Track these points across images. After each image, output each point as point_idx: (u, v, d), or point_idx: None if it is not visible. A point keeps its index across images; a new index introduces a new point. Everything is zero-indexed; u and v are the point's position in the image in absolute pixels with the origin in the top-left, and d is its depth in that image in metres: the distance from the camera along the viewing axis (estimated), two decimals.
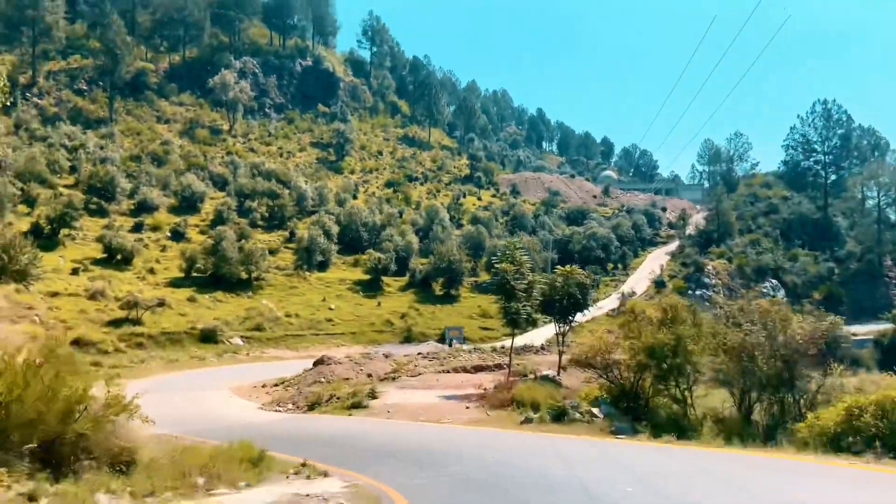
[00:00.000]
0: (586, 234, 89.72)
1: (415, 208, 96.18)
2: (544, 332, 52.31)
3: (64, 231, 62.83)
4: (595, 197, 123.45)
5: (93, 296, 51.38)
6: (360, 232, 79.32)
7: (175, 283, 59.76)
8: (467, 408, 23.71)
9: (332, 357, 38.54)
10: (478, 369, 39.06)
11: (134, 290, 52.04)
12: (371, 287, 69.91)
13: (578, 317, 31.62)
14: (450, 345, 53.84)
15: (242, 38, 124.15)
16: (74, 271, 56.71)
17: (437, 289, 71.77)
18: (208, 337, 48.94)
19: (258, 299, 60.87)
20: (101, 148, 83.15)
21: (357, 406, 25.78)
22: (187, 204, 78.12)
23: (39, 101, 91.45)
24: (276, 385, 36.83)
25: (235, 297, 60.52)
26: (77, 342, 42.53)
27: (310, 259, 70.76)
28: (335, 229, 76.93)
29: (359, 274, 73.44)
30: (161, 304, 53.21)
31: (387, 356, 41.71)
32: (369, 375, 36.95)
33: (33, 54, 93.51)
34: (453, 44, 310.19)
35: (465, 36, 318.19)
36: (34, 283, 46.26)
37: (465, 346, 51.93)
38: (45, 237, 61.26)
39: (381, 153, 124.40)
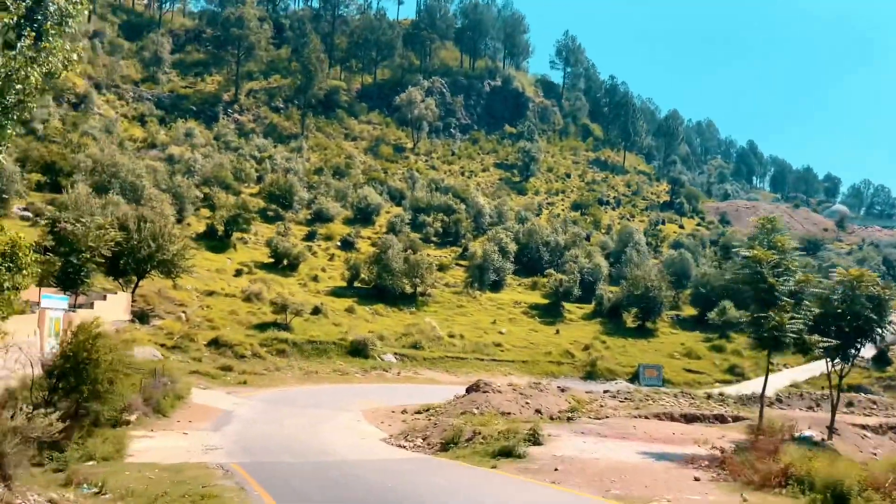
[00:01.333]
0: (824, 267, 72.87)
1: (605, 232, 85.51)
2: (775, 379, 39.55)
3: (237, 234, 61.29)
4: (826, 230, 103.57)
5: (248, 298, 47.72)
6: (540, 252, 70.53)
7: (336, 293, 55.03)
8: (697, 479, 13.68)
9: (491, 384, 29.85)
10: (689, 419, 28.18)
11: (290, 294, 47.57)
12: (550, 312, 60.50)
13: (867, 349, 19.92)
14: (644, 386, 42.79)
15: (433, 59, 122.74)
16: (238, 273, 54.09)
17: (630, 320, 60.53)
18: (358, 350, 42.69)
19: (421, 316, 54.20)
20: (288, 160, 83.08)
21: (508, 454, 16.81)
22: (362, 216, 74.72)
23: (239, 117, 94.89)
24: (418, 412, 28.92)
25: (397, 312, 54.40)
26: (216, 342, 38.10)
27: (482, 277, 63.19)
28: (512, 247, 68.86)
29: (536, 297, 64.46)
30: (317, 311, 48.29)
31: (563, 390, 32.11)
32: (538, 412, 27.76)
33: (237, 73, 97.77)
34: (651, 71, 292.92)
35: (664, 63, 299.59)
36: (182, 275, 43.21)
37: (664, 389, 40.65)
38: (218, 239, 60.05)
39: (568, 175, 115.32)
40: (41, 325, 26.21)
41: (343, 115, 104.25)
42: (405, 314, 54.54)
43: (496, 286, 64.62)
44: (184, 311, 42.26)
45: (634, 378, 47.11)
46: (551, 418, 26.52)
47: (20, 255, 23.23)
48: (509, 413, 26.03)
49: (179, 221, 60.17)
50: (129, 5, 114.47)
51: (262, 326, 42.91)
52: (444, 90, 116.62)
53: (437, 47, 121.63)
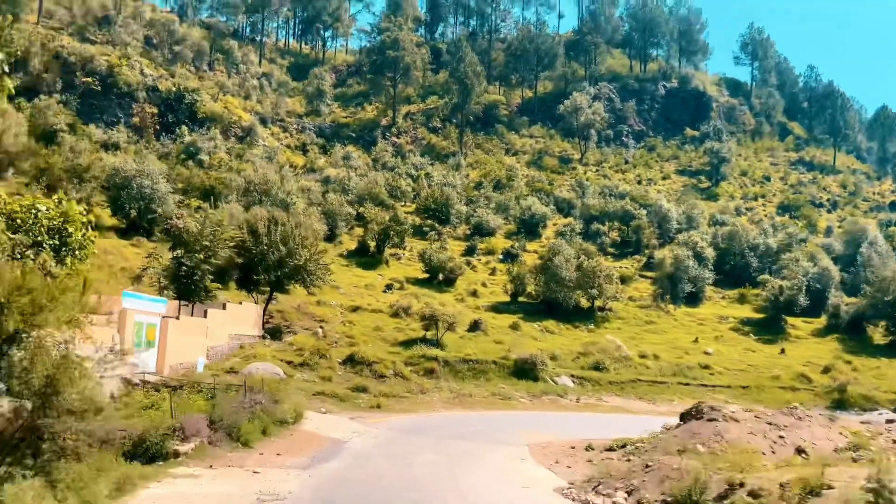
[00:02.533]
0: None
1: (825, 235, 70.14)
2: None
3: (389, 251, 55.94)
4: None
5: (395, 313, 41.28)
6: (745, 257, 57.88)
7: (498, 308, 47.16)
8: None
9: (721, 408, 19.92)
10: None
11: (441, 304, 40.47)
12: (767, 328, 48.12)
13: None
14: None
15: (598, 66, 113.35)
16: (388, 287, 48.23)
17: (878, 335, 46.35)
18: (525, 371, 34.25)
19: (601, 333, 44.63)
20: (444, 176, 77.67)
21: None
22: (526, 228, 66.70)
23: (396, 140, 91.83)
24: (610, 449, 19.97)
25: (571, 329, 45.31)
26: (351, 359, 31.62)
27: (675, 289, 52.28)
28: (710, 253, 57.03)
29: (745, 311, 52.22)
30: (475, 326, 40.70)
31: (832, 419, 21.33)
32: (800, 452, 17.57)
33: (394, 95, 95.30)
34: (847, 63, 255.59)
35: (859, 53, 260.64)
36: (320, 286, 37.70)
37: None
38: (370, 255, 55.00)
39: (768, 178, 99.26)
40: (122, 331, 20.88)
41: (503, 130, 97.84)
42: (581, 331, 45.29)
43: (693, 299, 53.26)
44: (321, 327, 36.55)
45: None
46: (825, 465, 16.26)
47: (72, 230, 17.48)
48: (762, 452, 16.20)
49: (331, 239, 56.29)
50: (297, 49, 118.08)
51: (409, 343, 35.95)
52: (613, 95, 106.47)
53: (601, 52, 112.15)
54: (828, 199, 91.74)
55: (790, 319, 49.09)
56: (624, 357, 39.16)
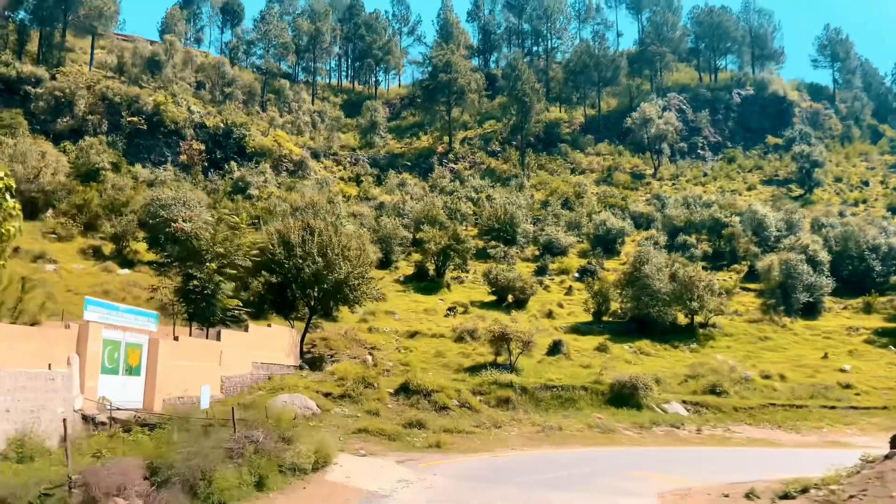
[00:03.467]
0: None
1: None
2: None
3: (451, 273, 50.09)
4: None
5: (460, 337, 35.09)
6: (866, 261, 49.22)
7: (579, 329, 40.29)
8: None
9: None
10: None
11: (513, 321, 33.99)
12: None
13: None
14: None
15: (665, 78, 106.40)
16: (451, 310, 42.13)
17: None
18: (624, 397, 27.30)
19: (707, 353, 37.11)
20: (506, 197, 71.74)
21: None
22: (602, 245, 59.69)
23: (454, 166, 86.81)
24: (786, 496, 13.09)
25: (669, 350, 37.92)
26: (405, 389, 25.47)
27: (787, 301, 44.20)
28: (825, 257, 48.68)
29: (874, 321, 43.54)
30: (556, 349, 34.08)
31: None
32: None
33: (449, 119, 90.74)
34: None
35: None
36: (366, 304, 31.94)
37: None
38: (429, 279, 49.22)
39: (866, 183, 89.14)
40: (82, 351, 15.45)
41: (567, 149, 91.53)
42: (682, 352, 37.84)
43: (810, 311, 44.97)
44: (371, 354, 30.64)
45: None
46: None
47: None
48: None
49: (387, 265, 50.96)
50: (350, 87, 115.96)
51: (476, 369, 29.61)
52: (684, 106, 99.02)
53: (667, 62, 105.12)
54: None
55: None
56: (744, 379, 31.57)
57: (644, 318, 39.93)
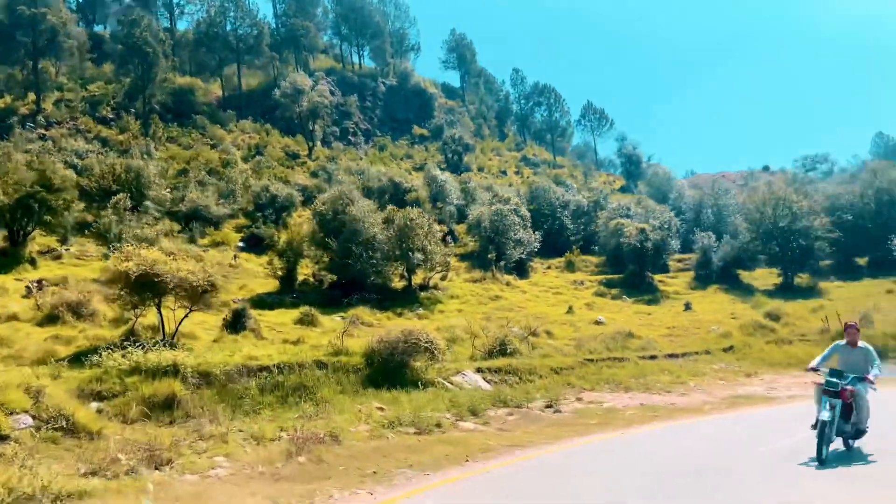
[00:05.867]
0: None
1: None
2: None
3: (38, 243, 31.35)
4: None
5: (53, 316, 18.47)
6: (560, 217, 45.75)
7: (265, 302, 26.59)
8: None
9: None
10: None
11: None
12: (637, 287, 35.43)
13: None
14: None
15: (310, 61, 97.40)
16: (35, 285, 24.28)
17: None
18: (391, 372, 14.93)
19: (440, 319, 27.12)
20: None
21: None
22: (272, 216, 46.29)
23: (45, 132, 63.48)
24: None
25: (393, 319, 26.95)
26: None
27: (500, 257, 37.25)
28: (526, 214, 43.50)
29: (583, 277, 39.40)
30: (238, 322, 19.99)
31: None
32: None
33: (34, 67, 66.54)
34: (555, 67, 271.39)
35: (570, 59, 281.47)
36: None
37: None
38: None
39: (504, 172, 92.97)
40: None
41: (205, 122, 75.34)
42: (408, 319, 27.05)
43: (519, 270, 38.85)
44: None
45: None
46: None
47: None
48: None
49: None
50: None
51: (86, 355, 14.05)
52: (333, 88, 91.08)
53: (314, 40, 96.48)
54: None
55: (656, 276, 37.39)
56: (524, 339, 22.05)
57: (353, 281, 28.25)
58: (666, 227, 40.28)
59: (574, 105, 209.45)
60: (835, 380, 8.94)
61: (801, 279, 37.46)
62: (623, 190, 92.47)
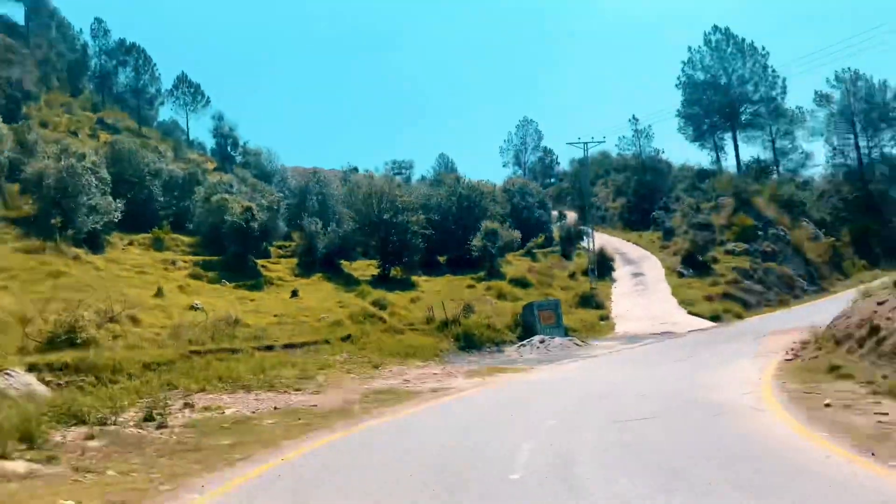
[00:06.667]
0: None
1: None
2: None
3: None
4: None
5: None
6: (149, 187, 39.08)
7: None
8: None
9: None
10: None
11: None
12: (242, 271, 31.83)
13: None
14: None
15: None
16: None
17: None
18: None
19: None
20: None
21: None
22: None
23: None
24: None
25: None
26: None
27: (69, 225, 29.54)
28: (107, 177, 35.85)
29: (175, 257, 34.30)
30: None
31: None
32: None
33: None
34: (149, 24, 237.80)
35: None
36: None
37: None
38: None
39: (76, 133, 78.86)
40: None
41: None
42: None
43: (92, 243, 31.69)
44: None
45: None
46: None
47: None
48: None
49: None
50: None
51: None
52: None
53: None
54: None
55: (259, 261, 34.20)
56: (101, 325, 16.56)
57: None
58: (275, 207, 37.52)
59: (168, 75, 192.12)
60: None
61: (396, 272, 38.82)
62: (218, 171, 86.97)
